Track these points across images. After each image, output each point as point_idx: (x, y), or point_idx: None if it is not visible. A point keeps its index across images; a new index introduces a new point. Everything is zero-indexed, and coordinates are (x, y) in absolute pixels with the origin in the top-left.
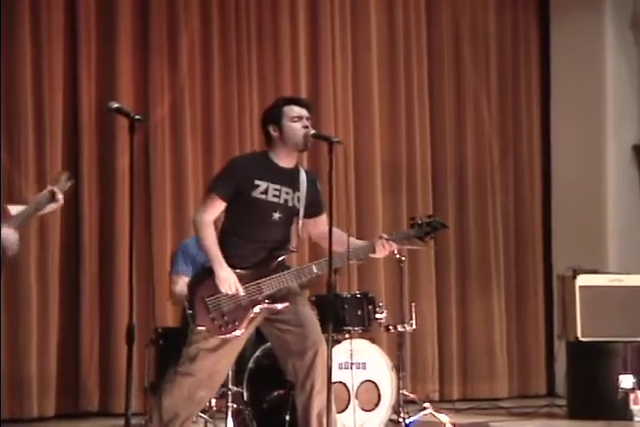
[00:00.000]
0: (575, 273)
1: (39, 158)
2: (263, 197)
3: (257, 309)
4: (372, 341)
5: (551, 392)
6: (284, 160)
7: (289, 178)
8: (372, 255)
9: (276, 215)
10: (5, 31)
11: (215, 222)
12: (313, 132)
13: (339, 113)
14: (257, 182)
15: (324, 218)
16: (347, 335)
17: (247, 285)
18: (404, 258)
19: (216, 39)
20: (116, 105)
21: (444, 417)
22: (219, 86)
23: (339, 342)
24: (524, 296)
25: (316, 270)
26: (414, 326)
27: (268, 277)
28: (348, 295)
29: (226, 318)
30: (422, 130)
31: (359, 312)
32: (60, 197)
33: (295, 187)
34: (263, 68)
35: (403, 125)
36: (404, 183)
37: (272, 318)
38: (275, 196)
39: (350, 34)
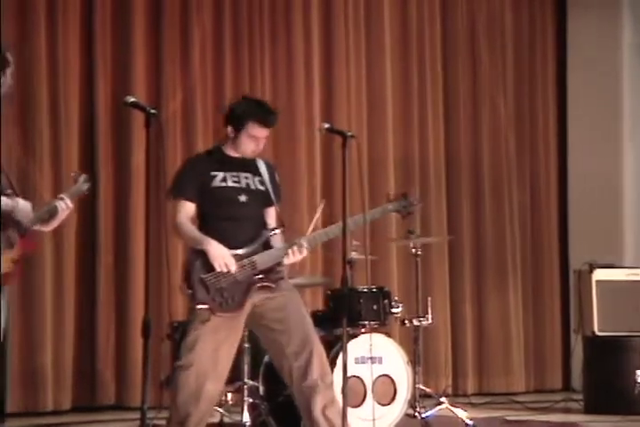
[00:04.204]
0: (592, 268)
1: (55, 153)
2: (223, 184)
3: (254, 285)
4: (388, 335)
5: (567, 387)
6: (237, 153)
7: (244, 165)
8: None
9: (243, 198)
10: (21, 27)
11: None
12: (327, 126)
13: (352, 107)
14: (213, 173)
15: (272, 210)
16: (362, 330)
17: (241, 262)
18: (419, 252)
19: (228, 35)
20: (132, 99)
21: (460, 412)
22: (230, 82)
23: (355, 336)
24: (540, 291)
25: (304, 244)
26: (430, 321)
27: (260, 253)
28: (364, 290)
29: (225, 295)
30: (436, 125)
31: (375, 307)
32: (69, 202)
33: (254, 172)
34: (276, 63)
35: (416, 120)
36: (417, 179)
37: (264, 315)
38: (235, 182)
39: (364, 28)
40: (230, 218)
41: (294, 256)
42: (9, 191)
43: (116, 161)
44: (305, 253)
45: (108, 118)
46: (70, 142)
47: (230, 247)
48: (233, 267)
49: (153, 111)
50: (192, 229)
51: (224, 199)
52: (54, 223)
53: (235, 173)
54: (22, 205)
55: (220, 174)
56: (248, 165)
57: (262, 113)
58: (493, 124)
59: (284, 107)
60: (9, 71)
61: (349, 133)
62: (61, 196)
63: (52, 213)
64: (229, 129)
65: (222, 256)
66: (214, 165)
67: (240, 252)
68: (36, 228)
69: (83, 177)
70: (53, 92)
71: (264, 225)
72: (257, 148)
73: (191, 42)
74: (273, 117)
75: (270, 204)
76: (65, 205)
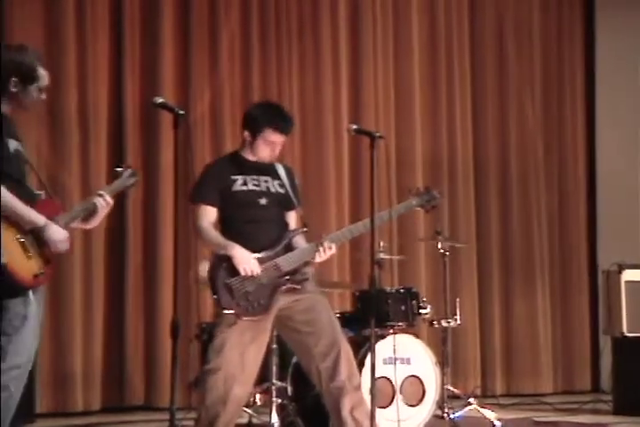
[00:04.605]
0: (621, 268)
1: (83, 153)
2: (244, 188)
3: (279, 288)
4: (416, 336)
5: (596, 388)
6: (255, 157)
7: (263, 169)
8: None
9: (263, 201)
10: (50, 28)
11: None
12: (355, 127)
13: (380, 108)
14: (233, 178)
15: (293, 214)
16: (390, 331)
17: (265, 265)
18: (447, 253)
19: (255, 36)
20: (160, 100)
21: (488, 413)
22: (258, 82)
23: (383, 337)
24: (568, 292)
25: (327, 243)
26: (459, 322)
27: (284, 256)
28: (392, 290)
29: (250, 299)
30: (464, 126)
31: (403, 307)
32: (108, 198)
33: (273, 176)
34: (303, 64)
35: (444, 121)
36: (445, 180)
37: (291, 317)
38: (255, 185)
39: (392, 28)
40: (252, 221)
41: (325, 253)
42: (40, 192)
43: (144, 161)
44: (334, 249)
45: (136, 119)
46: (99, 143)
47: (253, 250)
48: (258, 271)
49: (181, 112)
50: (215, 235)
51: (245, 202)
52: (95, 221)
53: (254, 177)
54: (54, 231)
55: (241, 178)
56: (267, 169)
57: (278, 119)
58: (521, 124)
59: (312, 107)
60: (35, 85)
61: (377, 134)
62: (100, 192)
63: (90, 210)
64: (246, 133)
65: (247, 261)
66: (234, 169)
67: (263, 255)
68: (75, 226)
69: (128, 172)
70: (82, 92)
71: (285, 227)
72: (273, 153)
73: (219, 43)
74: (289, 124)
75: (291, 207)
76: (104, 202)
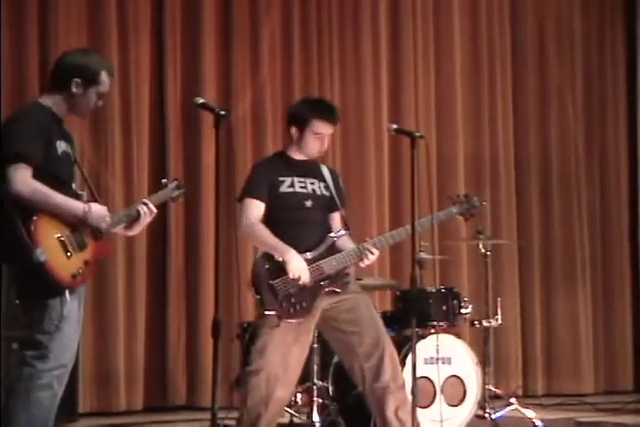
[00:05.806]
0: None
1: (126, 154)
2: (291, 189)
3: (321, 290)
4: (457, 336)
5: (639, 388)
6: (300, 154)
7: (310, 170)
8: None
9: (309, 203)
10: (93, 31)
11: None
12: (395, 127)
13: (420, 109)
14: (281, 179)
15: (337, 215)
16: (432, 330)
17: (309, 267)
18: (489, 253)
19: (297, 36)
20: (201, 101)
21: (530, 413)
22: (299, 83)
23: (424, 337)
24: (610, 291)
25: (371, 247)
26: (500, 322)
27: (327, 258)
28: (433, 290)
29: (293, 300)
30: (505, 125)
31: (444, 307)
32: (152, 206)
33: (319, 177)
34: (344, 64)
35: (486, 120)
36: (487, 179)
37: (336, 318)
38: (302, 187)
39: (432, 26)
40: (297, 223)
41: (368, 259)
42: (83, 192)
43: (185, 161)
44: (377, 253)
45: (178, 118)
46: (141, 142)
47: (299, 250)
48: (306, 280)
49: (222, 112)
50: (268, 233)
51: (291, 205)
52: (137, 228)
53: (302, 179)
54: (96, 209)
55: (288, 179)
56: (313, 171)
57: (325, 110)
58: (562, 125)
59: (353, 108)
60: (95, 88)
61: (418, 134)
62: (145, 200)
63: (133, 217)
64: (294, 129)
65: (301, 269)
66: (282, 169)
67: (307, 256)
68: (119, 232)
69: (174, 183)
70: (124, 92)
71: (329, 229)
72: (322, 147)
73: (260, 43)
74: (336, 113)
75: (335, 209)
76: (147, 210)
